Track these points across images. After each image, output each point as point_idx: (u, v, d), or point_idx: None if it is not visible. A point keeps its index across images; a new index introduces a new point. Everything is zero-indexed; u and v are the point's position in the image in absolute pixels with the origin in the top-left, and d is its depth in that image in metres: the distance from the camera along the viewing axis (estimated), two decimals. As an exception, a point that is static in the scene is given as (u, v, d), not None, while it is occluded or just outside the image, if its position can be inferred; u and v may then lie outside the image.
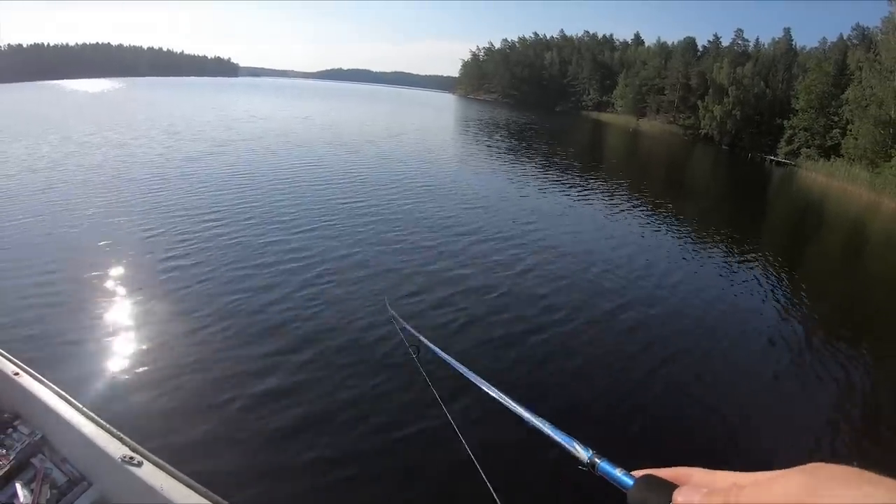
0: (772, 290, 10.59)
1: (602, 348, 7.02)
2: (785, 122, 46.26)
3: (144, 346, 5.81)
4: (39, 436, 2.66)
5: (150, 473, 2.34)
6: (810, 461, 0.43)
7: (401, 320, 2.86)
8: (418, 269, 8.77)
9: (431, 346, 1.98)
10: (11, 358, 2.99)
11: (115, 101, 44.02)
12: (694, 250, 12.90)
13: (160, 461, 2.43)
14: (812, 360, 7.65)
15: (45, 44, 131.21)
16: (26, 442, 2.63)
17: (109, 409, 4.45)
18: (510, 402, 1.06)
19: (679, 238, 14.03)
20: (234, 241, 9.26)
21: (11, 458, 2.55)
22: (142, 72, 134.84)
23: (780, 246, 15.78)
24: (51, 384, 2.81)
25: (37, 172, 13.64)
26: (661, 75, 66.17)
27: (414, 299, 7.51)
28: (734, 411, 5.99)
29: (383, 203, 13.12)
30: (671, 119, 63.03)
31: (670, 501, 0.51)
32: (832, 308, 10.73)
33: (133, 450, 2.45)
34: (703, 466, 0.54)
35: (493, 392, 1.16)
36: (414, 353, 2.41)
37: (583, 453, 0.75)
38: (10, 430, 2.69)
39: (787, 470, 0.43)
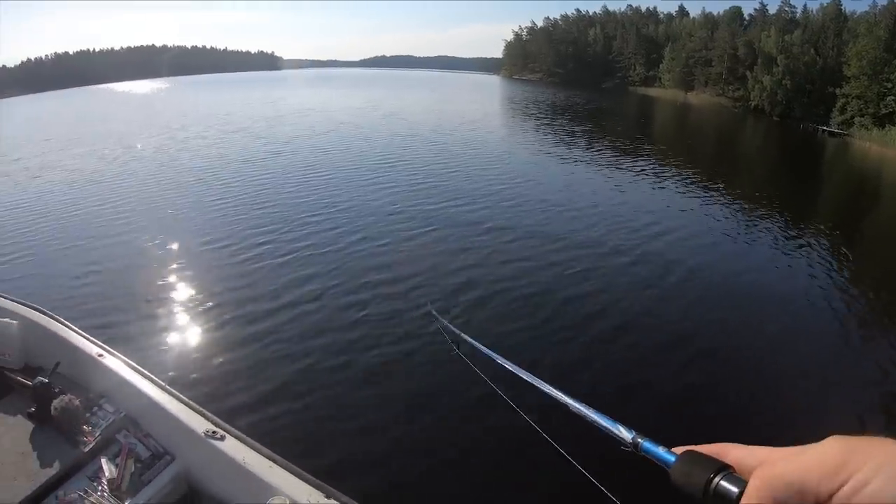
0: (826, 268, 10.56)
1: (650, 329, 7.27)
2: (837, 90, 44.84)
3: (216, 333, 6.73)
4: (123, 413, 2.71)
5: (233, 447, 2.37)
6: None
7: (442, 319, 3.06)
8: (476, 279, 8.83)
9: (471, 339, 1.96)
10: (95, 341, 3.10)
11: (166, 102, 45.48)
12: (747, 227, 13.05)
13: (243, 435, 2.46)
14: (862, 340, 7.73)
15: (92, 49, 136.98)
16: (111, 419, 2.67)
17: (191, 389, 5.07)
18: (552, 389, 1.06)
19: (732, 215, 14.03)
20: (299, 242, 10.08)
21: (97, 434, 2.61)
22: (187, 70, 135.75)
23: (835, 221, 15.26)
24: (134, 364, 2.90)
25: (102, 182, 15.02)
26: (708, 47, 65.44)
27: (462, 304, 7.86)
28: (784, 391, 6.19)
29: (469, 204, 13.29)
30: (720, 91, 62.37)
31: (712, 474, 0.52)
32: (888, 284, 10.44)
33: (216, 424, 2.50)
34: (742, 442, 0.55)
35: (537, 382, 1.15)
36: (456, 348, 2.45)
37: (626, 434, 0.76)
38: (96, 408, 2.75)
39: (819, 442, 0.45)
